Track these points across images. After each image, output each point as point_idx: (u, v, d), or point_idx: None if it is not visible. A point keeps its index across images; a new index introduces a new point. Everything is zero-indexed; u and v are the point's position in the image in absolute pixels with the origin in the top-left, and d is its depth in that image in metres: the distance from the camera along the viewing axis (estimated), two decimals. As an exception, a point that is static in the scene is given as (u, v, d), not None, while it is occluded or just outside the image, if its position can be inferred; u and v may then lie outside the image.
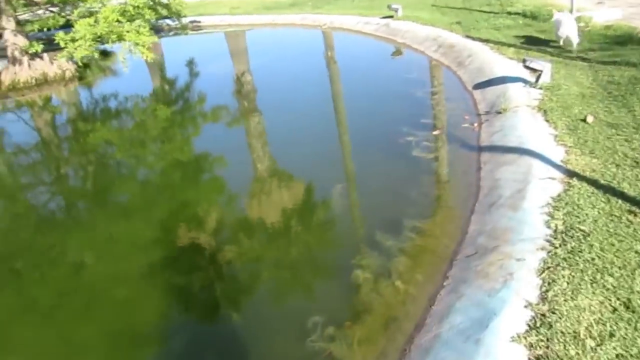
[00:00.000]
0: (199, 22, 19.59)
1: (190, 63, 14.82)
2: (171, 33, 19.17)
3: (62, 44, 11.27)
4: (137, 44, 11.32)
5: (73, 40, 11.13)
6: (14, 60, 13.00)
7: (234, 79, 13.16)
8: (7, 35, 12.95)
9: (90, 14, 11.55)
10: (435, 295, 3.96)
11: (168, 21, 17.61)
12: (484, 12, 13.98)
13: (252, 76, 13.42)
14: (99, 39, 11.31)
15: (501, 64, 8.93)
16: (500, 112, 7.01)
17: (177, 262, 5.20)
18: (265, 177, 7.27)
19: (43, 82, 13.21)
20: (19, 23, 13.28)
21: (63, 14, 13.59)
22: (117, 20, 11.02)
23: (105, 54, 12.72)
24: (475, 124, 7.14)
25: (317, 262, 5.08)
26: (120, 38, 11.38)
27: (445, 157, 6.59)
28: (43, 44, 12.93)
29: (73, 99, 13.29)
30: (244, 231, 5.73)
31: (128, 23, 11.31)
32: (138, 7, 11.45)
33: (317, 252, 5.26)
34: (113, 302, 4.73)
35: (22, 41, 13.01)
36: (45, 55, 13.15)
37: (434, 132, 7.26)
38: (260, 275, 4.93)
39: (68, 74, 13.43)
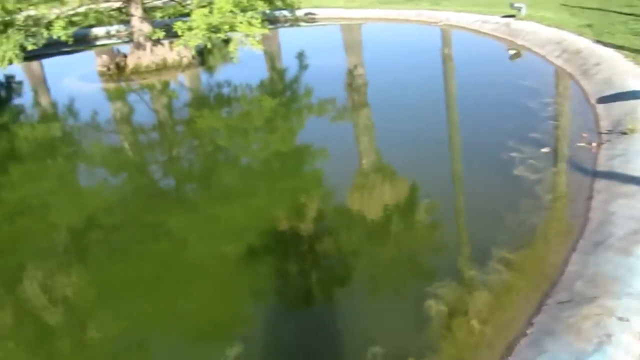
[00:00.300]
0: (314, 14, 19.65)
1: (303, 55, 14.90)
2: (287, 24, 19.47)
3: (179, 32, 11.79)
4: (247, 35, 11.53)
5: (189, 29, 11.59)
6: (139, 46, 13.90)
7: (347, 72, 13.03)
8: (134, 21, 13.86)
9: (207, 3, 11.95)
10: (513, 345, 3.46)
11: (285, 12, 17.85)
12: (623, 14, 12.47)
13: (364, 70, 13.23)
14: (213, 29, 11.68)
15: (635, 75, 7.84)
16: (625, 133, 6.13)
17: (272, 247, 5.32)
18: (368, 171, 7.14)
19: (162, 67, 13.97)
20: (145, 11, 14.16)
21: (184, 3, 14.27)
22: (231, 11, 11.27)
23: (226, 41, 13.14)
24: (594, 144, 6.29)
25: (392, 278, 4.74)
26: (232, 29, 11.67)
27: (551, 180, 5.87)
28: (163, 31, 13.67)
29: (189, 85, 13.98)
30: (335, 224, 5.73)
31: (241, 14, 11.54)
32: (251, -2, 11.70)
33: (395, 266, 4.91)
34: (210, 279, 4.97)
35: (147, 28, 13.85)
36: (165, 42, 13.90)
37: (543, 150, 6.52)
38: (337, 274, 4.88)
39: (185, 61, 14.08)
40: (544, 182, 5.79)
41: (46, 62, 16.68)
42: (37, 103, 13.53)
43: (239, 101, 11.83)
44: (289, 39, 18.65)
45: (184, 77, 14.29)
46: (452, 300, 4.05)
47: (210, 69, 14.76)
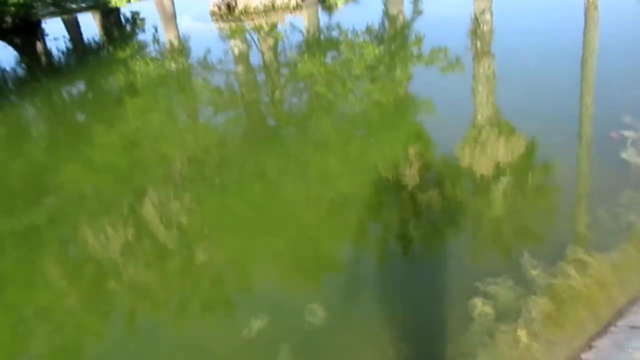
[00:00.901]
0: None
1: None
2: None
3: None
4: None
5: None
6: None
7: (472, 19, 12.01)
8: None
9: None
10: (558, 371, 2.96)
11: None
12: None
13: (492, 16, 12.08)
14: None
15: None
16: None
17: (366, 197, 5.21)
18: (480, 126, 6.56)
19: (271, 9, 13.89)
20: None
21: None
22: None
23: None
24: None
25: (444, 262, 4.31)
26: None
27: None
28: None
29: (304, 25, 13.75)
30: (425, 179, 5.48)
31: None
32: None
33: (454, 243, 4.46)
34: (301, 222, 5.09)
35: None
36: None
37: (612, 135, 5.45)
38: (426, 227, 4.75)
39: (292, 3, 13.85)
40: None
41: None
42: (156, 40, 14.20)
43: (343, 46, 11.36)
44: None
45: (293, 18, 14.08)
46: (501, 303, 3.54)
47: (331, 7, 14.36)
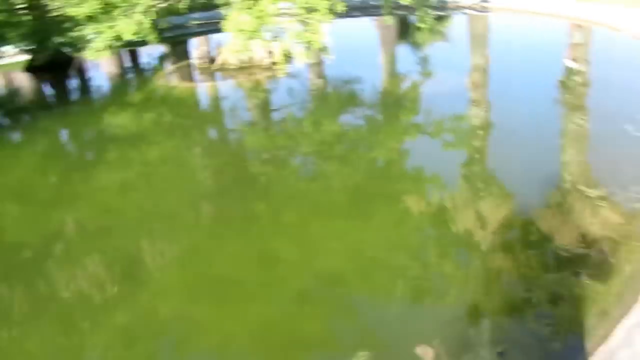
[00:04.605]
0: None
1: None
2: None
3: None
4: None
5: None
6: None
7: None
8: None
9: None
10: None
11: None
12: None
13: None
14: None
15: None
16: None
17: None
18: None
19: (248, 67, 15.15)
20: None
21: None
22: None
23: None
24: None
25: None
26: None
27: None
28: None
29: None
30: None
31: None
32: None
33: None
34: None
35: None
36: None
37: None
38: None
39: (266, 63, 15.08)
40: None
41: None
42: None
43: (289, 122, 11.56)
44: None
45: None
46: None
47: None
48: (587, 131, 9.58)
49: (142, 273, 6.20)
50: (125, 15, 13.20)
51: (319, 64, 13.85)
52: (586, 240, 5.77)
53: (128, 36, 13.06)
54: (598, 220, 6.18)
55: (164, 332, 5.27)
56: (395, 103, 12.31)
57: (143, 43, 14.21)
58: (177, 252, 6.54)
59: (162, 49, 17.98)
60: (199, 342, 5.01)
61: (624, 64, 12.75)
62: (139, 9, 12.80)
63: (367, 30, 20.43)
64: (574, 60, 13.73)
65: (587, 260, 5.53)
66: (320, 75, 14.67)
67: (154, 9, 13.49)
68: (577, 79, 12.52)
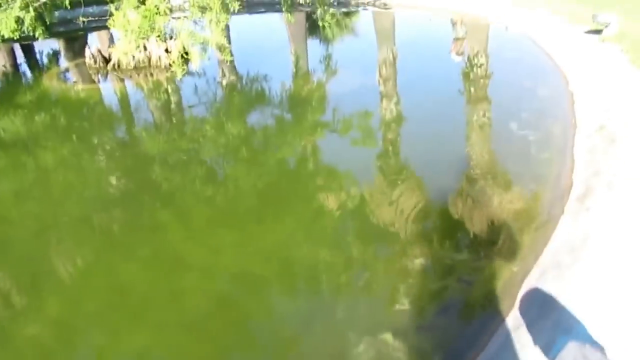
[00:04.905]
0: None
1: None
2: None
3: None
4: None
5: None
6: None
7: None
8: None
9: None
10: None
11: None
12: None
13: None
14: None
15: None
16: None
17: None
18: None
19: (145, 67, 14.46)
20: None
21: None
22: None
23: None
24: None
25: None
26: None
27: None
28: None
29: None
30: None
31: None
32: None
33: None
34: None
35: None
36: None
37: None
38: None
39: (165, 63, 14.45)
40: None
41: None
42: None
43: (193, 123, 11.14)
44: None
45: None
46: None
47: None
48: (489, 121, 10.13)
49: (46, 285, 5.81)
50: (5, 10, 12.22)
51: (225, 62, 13.42)
52: (493, 223, 6.28)
53: (8, 33, 12.12)
54: (501, 205, 6.68)
55: (74, 343, 5.05)
56: (305, 100, 12.26)
57: (33, 38, 13.25)
58: (81, 264, 6.13)
59: (58, 44, 16.77)
60: (112, 353, 4.83)
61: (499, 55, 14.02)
62: (17, 4, 11.78)
63: (276, 26, 20.22)
64: (458, 53, 14.72)
65: (494, 241, 5.97)
66: (227, 74, 14.32)
67: (35, 3, 12.48)
68: (464, 71, 13.35)
